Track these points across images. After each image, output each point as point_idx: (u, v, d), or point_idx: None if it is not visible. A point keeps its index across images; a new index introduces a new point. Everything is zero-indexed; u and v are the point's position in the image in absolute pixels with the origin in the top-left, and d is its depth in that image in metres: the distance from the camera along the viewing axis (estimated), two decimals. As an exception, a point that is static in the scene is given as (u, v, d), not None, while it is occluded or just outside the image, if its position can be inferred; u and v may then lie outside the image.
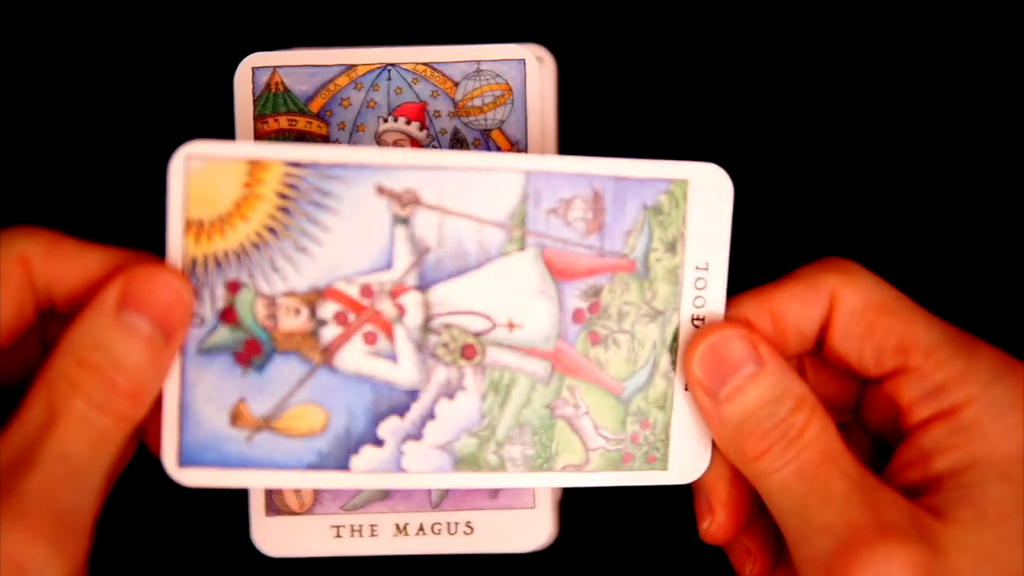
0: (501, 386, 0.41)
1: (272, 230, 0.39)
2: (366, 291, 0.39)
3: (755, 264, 0.44)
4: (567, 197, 0.39)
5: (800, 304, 0.40)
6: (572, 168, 0.39)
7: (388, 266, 0.39)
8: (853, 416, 0.42)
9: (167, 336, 0.37)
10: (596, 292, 0.40)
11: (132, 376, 0.36)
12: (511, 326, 0.40)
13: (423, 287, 0.39)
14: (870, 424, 0.42)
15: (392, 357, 0.40)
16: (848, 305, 0.40)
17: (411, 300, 0.39)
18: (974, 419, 0.38)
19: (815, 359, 0.42)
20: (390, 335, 0.40)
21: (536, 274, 0.40)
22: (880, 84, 0.47)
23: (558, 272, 0.40)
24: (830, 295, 0.40)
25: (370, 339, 0.40)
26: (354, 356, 0.40)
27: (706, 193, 0.40)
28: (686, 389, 0.41)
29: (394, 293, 0.39)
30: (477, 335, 0.40)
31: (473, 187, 0.39)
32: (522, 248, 0.39)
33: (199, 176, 0.38)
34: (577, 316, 0.40)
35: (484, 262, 0.39)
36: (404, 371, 0.40)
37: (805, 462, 0.38)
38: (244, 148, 0.38)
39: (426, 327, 0.40)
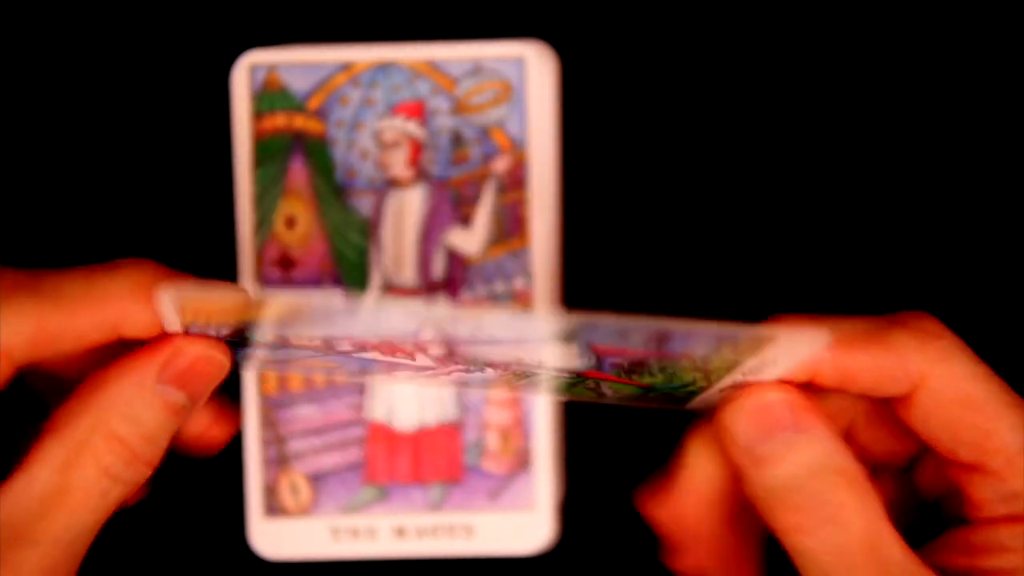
0: (527, 375, 0.39)
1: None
2: (387, 346, 0.37)
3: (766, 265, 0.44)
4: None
5: (879, 375, 0.36)
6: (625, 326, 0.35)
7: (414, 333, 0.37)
8: (904, 470, 0.40)
9: (196, 404, 0.36)
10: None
11: (157, 445, 0.35)
12: (541, 365, 0.38)
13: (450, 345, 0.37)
14: (923, 485, 0.40)
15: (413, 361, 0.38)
16: (935, 393, 0.36)
17: (436, 347, 0.37)
18: None
19: (874, 411, 0.39)
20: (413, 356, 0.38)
21: (578, 352, 0.37)
22: (879, 83, 0.47)
23: (604, 351, 0.37)
24: (917, 376, 0.36)
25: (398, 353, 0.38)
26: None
27: (785, 356, 0.36)
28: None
29: (419, 346, 0.37)
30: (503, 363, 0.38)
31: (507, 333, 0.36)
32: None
33: (189, 301, 0.35)
34: (615, 366, 0.38)
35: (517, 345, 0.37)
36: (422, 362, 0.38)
37: (843, 544, 0.35)
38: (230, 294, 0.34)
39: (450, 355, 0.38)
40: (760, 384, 0.37)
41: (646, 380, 0.37)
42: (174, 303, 0.33)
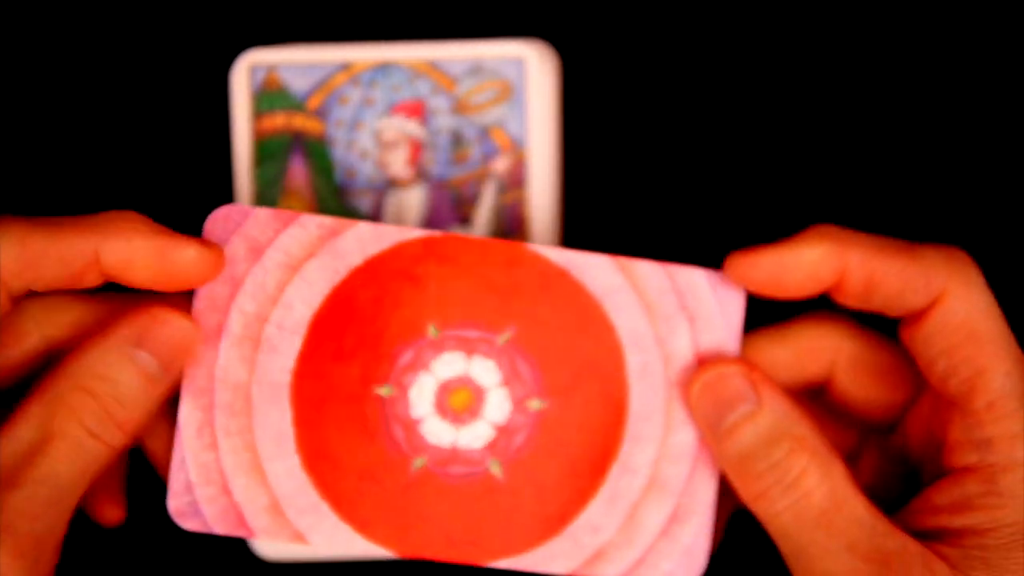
0: None
1: None
2: None
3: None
4: None
5: (904, 288, 0.38)
6: None
7: None
8: (894, 427, 0.41)
9: (170, 376, 0.38)
10: None
11: (130, 409, 0.37)
12: None
13: None
14: (910, 438, 0.40)
15: None
16: (947, 315, 0.38)
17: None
18: (1011, 486, 0.37)
19: (858, 356, 0.41)
20: None
21: None
22: (879, 82, 0.47)
23: None
24: (938, 291, 0.38)
25: None
26: None
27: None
28: None
29: None
30: None
31: None
32: None
33: None
34: None
35: None
36: None
37: (804, 509, 0.37)
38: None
39: None
40: (718, 358, 0.39)
41: None
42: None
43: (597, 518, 0.39)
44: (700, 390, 0.39)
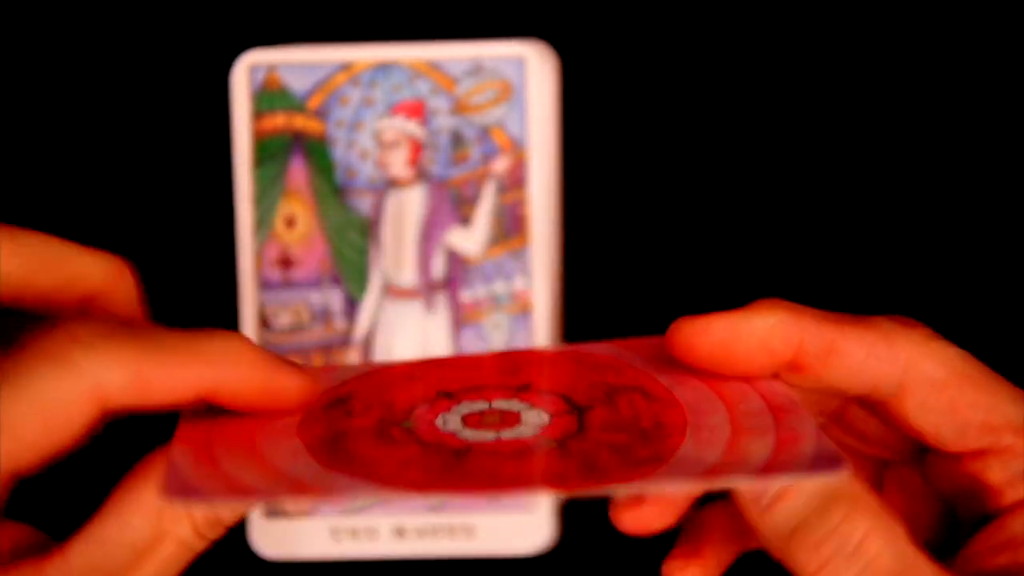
0: None
1: None
2: None
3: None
4: None
5: (867, 354, 0.35)
6: None
7: None
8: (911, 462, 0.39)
9: None
10: None
11: (239, 514, 0.35)
12: None
13: None
14: (939, 487, 0.38)
15: None
16: (927, 374, 0.35)
17: None
18: None
19: (861, 409, 0.38)
20: None
21: None
22: (880, 82, 0.47)
23: None
24: (906, 359, 0.35)
25: None
26: None
27: None
28: None
29: None
30: None
31: None
32: None
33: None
34: None
35: None
36: None
37: None
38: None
39: None
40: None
41: None
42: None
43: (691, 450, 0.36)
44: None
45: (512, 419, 0.36)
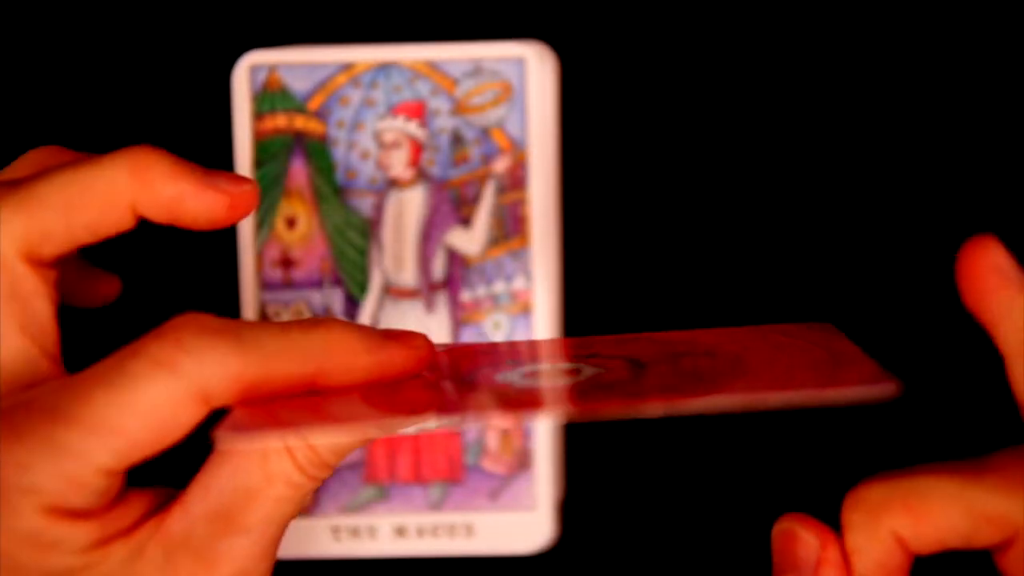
0: None
1: None
2: None
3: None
4: None
5: (965, 533, 0.34)
6: None
7: None
8: None
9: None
10: None
11: (344, 455, 0.36)
12: None
13: None
14: None
15: None
16: None
17: None
18: None
19: None
20: None
21: None
22: (880, 82, 0.47)
23: None
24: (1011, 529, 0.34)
25: None
26: None
27: None
28: None
29: None
30: None
31: None
32: None
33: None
34: None
35: None
36: None
37: None
38: None
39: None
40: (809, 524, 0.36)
41: None
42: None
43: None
44: (774, 534, 0.36)
45: (571, 374, 0.36)
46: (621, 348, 0.38)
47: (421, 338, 0.36)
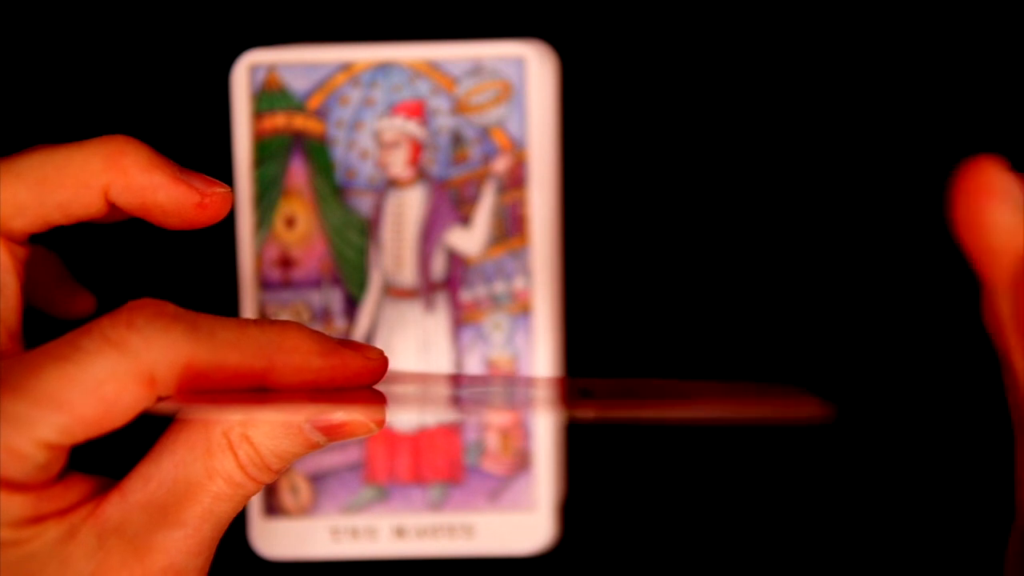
0: None
1: None
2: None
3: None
4: None
5: None
6: None
7: None
8: None
9: (335, 443, 0.37)
10: None
11: (288, 463, 0.36)
12: None
13: None
14: None
15: None
16: None
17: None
18: None
19: None
20: None
21: None
22: (881, 81, 0.47)
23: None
24: None
25: None
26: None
27: None
28: None
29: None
30: None
31: None
32: None
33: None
34: None
35: None
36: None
37: None
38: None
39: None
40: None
41: None
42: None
43: None
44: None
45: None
46: (586, 383, 0.38)
47: (377, 351, 0.36)
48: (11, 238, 0.36)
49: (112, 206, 0.37)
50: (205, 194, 0.37)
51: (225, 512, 0.35)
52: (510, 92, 0.43)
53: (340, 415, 0.35)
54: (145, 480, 0.35)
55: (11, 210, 0.36)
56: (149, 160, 0.36)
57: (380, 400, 0.35)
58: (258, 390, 0.35)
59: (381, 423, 0.36)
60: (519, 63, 0.43)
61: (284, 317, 0.44)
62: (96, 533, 0.34)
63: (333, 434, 0.35)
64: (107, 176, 0.36)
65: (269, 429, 0.35)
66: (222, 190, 0.37)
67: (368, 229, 0.44)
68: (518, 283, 0.44)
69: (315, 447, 0.36)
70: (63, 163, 0.36)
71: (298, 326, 0.35)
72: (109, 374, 0.33)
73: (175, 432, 0.35)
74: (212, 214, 0.37)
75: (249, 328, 0.35)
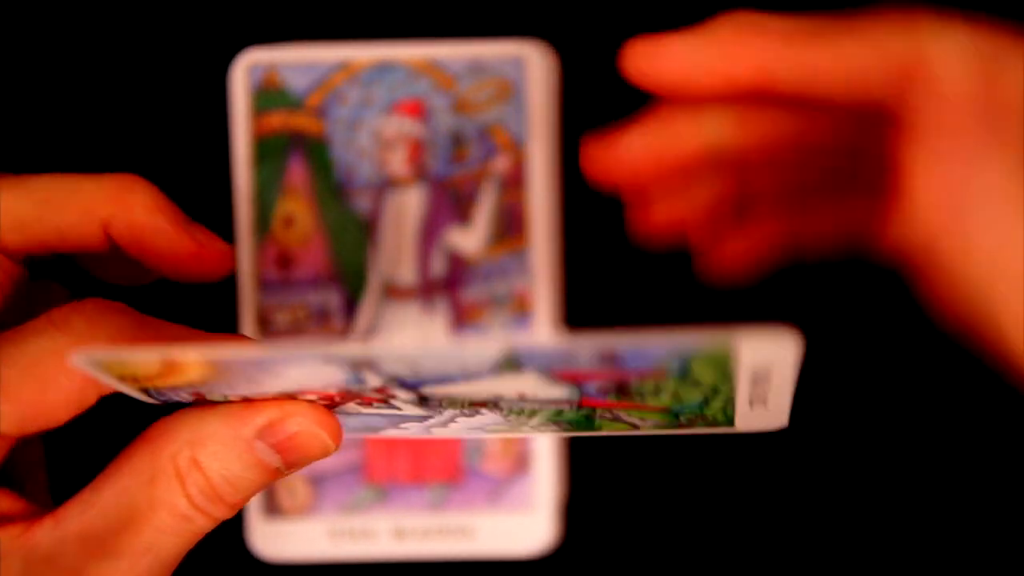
0: (524, 412, 0.35)
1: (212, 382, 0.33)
2: (344, 394, 0.34)
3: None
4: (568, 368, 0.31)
5: (863, 54, 0.32)
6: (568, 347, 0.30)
7: (359, 382, 0.33)
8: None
9: (291, 471, 0.34)
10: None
11: (241, 491, 0.34)
12: (523, 397, 0.34)
13: (410, 387, 0.33)
14: None
15: (395, 408, 0.35)
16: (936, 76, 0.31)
17: (400, 392, 0.34)
18: None
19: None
20: (385, 401, 0.35)
21: (541, 380, 0.32)
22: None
23: (569, 377, 0.32)
24: (910, 57, 0.31)
25: (366, 402, 0.35)
26: (353, 408, 0.35)
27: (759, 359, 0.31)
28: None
29: (378, 390, 0.33)
30: (486, 401, 0.34)
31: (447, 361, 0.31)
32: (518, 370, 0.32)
33: (110, 366, 0.32)
34: (602, 391, 0.33)
35: (473, 378, 0.32)
36: (410, 410, 0.35)
37: None
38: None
39: (423, 401, 0.34)
40: None
41: (652, 402, 0.33)
42: (96, 367, 0.31)
43: None
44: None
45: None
46: None
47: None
48: (5, 251, 0.36)
49: (112, 245, 0.36)
50: (205, 247, 0.36)
51: (168, 548, 0.33)
52: (510, 91, 0.43)
53: (293, 424, 0.33)
54: (84, 508, 0.33)
55: (10, 222, 0.35)
56: (155, 202, 0.36)
57: (333, 418, 0.34)
58: (200, 402, 0.33)
59: (336, 435, 0.34)
60: (519, 62, 0.43)
61: (283, 317, 0.44)
62: (21, 559, 0.32)
63: (286, 452, 0.34)
64: (110, 209, 0.36)
65: (218, 449, 0.33)
66: (222, 248, 0.37)
67: (367, 228, 0.44)
68: (518, 283, 0.44)
69: (272, 474, 0.34)
70: (71, 188, 0.36)
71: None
72: (48, 351, 0.32)
73: (122, 458, 0.33)
74: (208, 269, 0.37)
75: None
